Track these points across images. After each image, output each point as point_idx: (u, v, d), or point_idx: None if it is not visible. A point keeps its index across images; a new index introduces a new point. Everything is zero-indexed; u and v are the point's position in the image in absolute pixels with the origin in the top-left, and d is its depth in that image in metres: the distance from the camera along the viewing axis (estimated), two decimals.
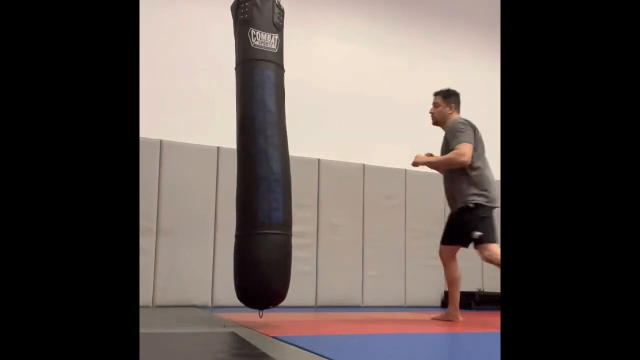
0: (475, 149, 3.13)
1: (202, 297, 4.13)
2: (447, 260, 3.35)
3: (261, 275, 2.46)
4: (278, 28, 2.68)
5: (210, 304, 4.13)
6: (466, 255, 5.30)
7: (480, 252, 3.10)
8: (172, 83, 4.52)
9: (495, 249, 3.03)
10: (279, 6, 2.71)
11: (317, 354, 1.68)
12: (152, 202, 4.05)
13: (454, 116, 3.27)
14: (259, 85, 2.57)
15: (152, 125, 4.11)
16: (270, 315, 3.29)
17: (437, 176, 5.29)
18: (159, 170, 4.14)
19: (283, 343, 1.99)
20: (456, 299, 3.30)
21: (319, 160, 4.68)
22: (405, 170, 5.16)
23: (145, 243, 3.97)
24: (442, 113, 3.27)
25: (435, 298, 5.10)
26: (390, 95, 5.47)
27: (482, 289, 5.01)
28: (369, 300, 4.77)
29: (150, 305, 3.95)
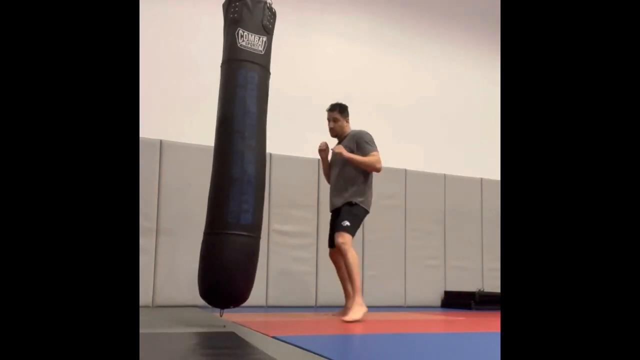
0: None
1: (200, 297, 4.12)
2: (338, 263, 3.51)
3: (223, 275, 2.44)
4: (267, 31, 2.66)
5: None
6: (466, 255, 5.33)
7: (337, 238, 3.31)
8: (172, 83, 4.52)
9: (350, 240, 3.30)
10: (270, 9, 2.69)
11: (317, 354, 1.68)
12: (152, 202, 4.05)
13: (349, 127, 3.60)
14: (241, 85, 2.56)
15: (152, 125, 4.11)
16: (271, 315, 3.29)
17: (437, 176, 5.32)
18: (159, 170, 4.14)
19: (283, 343, 1.99)
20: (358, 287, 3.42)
21: (319, 160, 4.68)
22: (405, 170, 5.16)
23: (145, 243, 3.97)
24: (342, 126, 3.56)
25: (435, 298, 5.11)
26: (391, 95, 5.47)
27: (482, 289, 5.01)
28: (369, 300, 4.74)
29: (150, 305, 3.95)
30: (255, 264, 2.58)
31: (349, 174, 3.42)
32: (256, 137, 2.57)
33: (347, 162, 3.39)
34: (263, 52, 2.63)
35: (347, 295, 3.49)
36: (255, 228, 2.53)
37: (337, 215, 3.44)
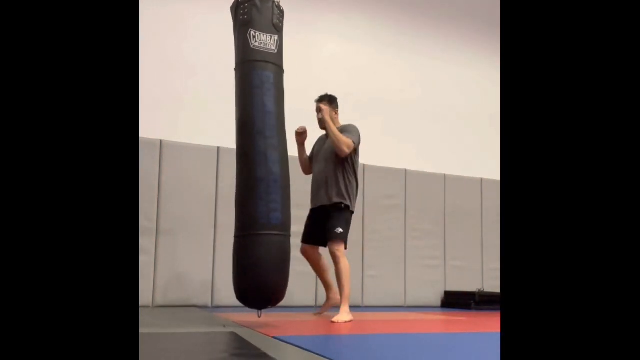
0: (355, 153, 3.43)
1: (202, 297, 4.13)
2: (315, 257, 3.48)
3: (260, 275, 2.46)
4: (277, 29, 2.67)
5: (210, 304, 4.13)
6: (466, 255, 5.33)
7: (330, 245, 3.27)
8: (172, 83, 4.52)
9: (343, 248, 3.29)
10: (278, 7, 2.70)
11: (317, 354, 1.68)
12: (152, 202, 4.05)
13: (339, 120, 3.50)
14: (258, 86, 2.57)
15: (152, 125, 4.11)
16: (270, 315, 3.29)
17: (437, 176, 5.32)
18: (159, 170, 4.14)
19: (283, 343, 1.99)
20: (331, 283, 3.42)
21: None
22: (405, 170, 5.16)
23: (145, 243, 3.97)
24: (330, 117, 3.43)
25: (435, 298, 5.11)
26: (390, 95, 5.47)
27: (482, 289, 5.01)
28: (369, 300, 4.76)
29: (150, 305, 3.95)
30: (289, 261, 2.60)
31: (335, 170, 3.34)
32: (277, 137, 2.58)
33: (333, 157, 3.32)
34: (276, 51, 2.65)
35: (327, 287, 3.48)
36: (285, 227, 2.56)
37: (321, 213, 3.36)
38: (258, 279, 2.47)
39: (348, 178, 3.36)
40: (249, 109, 2.56)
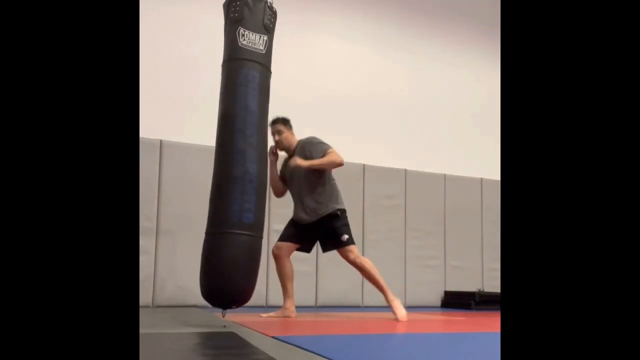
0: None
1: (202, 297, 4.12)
2: (285, 257, 3.41)
3: (226, 274, 2.43)
4: (268, 30, 2.66)
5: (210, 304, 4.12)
6: (466, 255, 5.33)
7: (346, 255, 3.31)
8: (172, 83, 4.52)
9: (357, 249, 3.34)
10: (271, 8, 2.69)
11: (317, 354, 1.68)
12: (152, 202, 4.05)
13: (295, 138, 3.50)
14: (242, 84, 2.56)
15: (152, 125, 4.11)
16: (270, 316, 3.29)
17: (437, 176, 5.32)
18: (159, 170, 4.14)
19: (283, 343, 1.99)
20: (292, 293, 3.42)
21: None
22: (405, 170, 5.16)
23: (145, 243, 3.97)
24: (288, 139, 3.45)
25: (435, 298, 5.11)
26: (391, 95, 5.47)
27: (482, 289, 5.01)
28: (369, 300, 4.76)
29: (150, 305, 3.95)
30: (258, 263, 2.57)
31: (312, 183, 3.34)
32: (257, 136, 2.56)
33: (308, 172, 3.30)
34: (264, 51, 2.64)
35: (286, 294, 3.38)
36: (257, 227, 2.52)
37: (310, 226, 3.34)
38: (224, 278, 2.43)
39: (327, 184, 3.37)
40: (231, 106, 2.54)
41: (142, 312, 3.29)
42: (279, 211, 4.38)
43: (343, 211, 3.37)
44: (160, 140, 4.18)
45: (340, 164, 3.32)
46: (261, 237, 2.57)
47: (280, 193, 3.56)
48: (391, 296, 3.31)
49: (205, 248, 2.52)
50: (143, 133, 3.76)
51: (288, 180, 3.49)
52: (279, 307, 3.46)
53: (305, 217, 3.37)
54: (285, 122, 3.46)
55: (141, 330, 1.95)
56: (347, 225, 3.35)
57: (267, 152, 2.67)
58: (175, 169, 4.18)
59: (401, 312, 3.24)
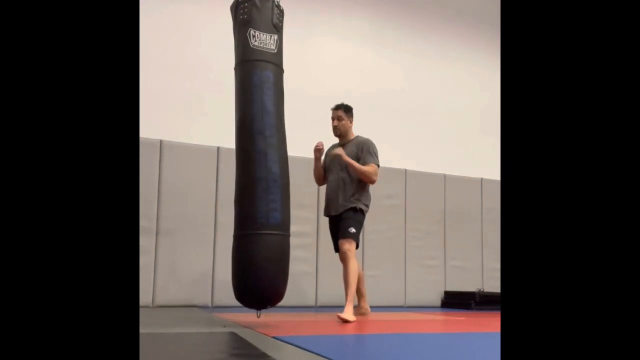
0: None
1: (202, 297, 4.13)
2: (352, 257, 3.41)
3: (259, 275, 2.45)
4: (277, 29, 2.67)
5: (210, 304, 4.13)
6: (466, 255, 5.33)
7: (342, 244, 3.34)
8: (171, 83, 4.52)
9: (354, 248, 3.36)
10: (278, 7, 2.70)
11: (317, 354, 1.68)
12: (152, 202, 4.05)
13: (352, 130, 3.59)
14: (257, 86, 2.57)
15: (152, 125, 4.11)
16: (270, 315, 3.28)
17: (437, 176, 5.31)
18: (159, 170, 4.14)
19: (283, 343, 1.99)
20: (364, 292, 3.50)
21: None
22: (405, 170, 5.16)
23: (145, 243, 3.96)
24: (346, 126, 3.54)
25: (435, 298, 5.10)
26: (391, 95, 5.47)
27: (482, 289, 5.01)
28: (369, 300, 4.75)
29: (150, 305, 3.95)
30: (288, 261, 2.60)
31: (350, 178, 3.42)
32: (277, 136, 2.59)
33: (346, 166, 3.39)
34: (276, 51, 2.65)
35: (359, 295, 3.53)
36: (284, 226, 2.56)
37: (338, 220, 3.43)
38: (257, 279, 2.46)
39: (363, 183, 3.44)
40: (249, 109, 2.56)
41: (142, 312, 3.29)
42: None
43: (363, 214, 3.42)
44: (160, 140, 4.19)
45: (371, 182, 3.43)
46: (289, 236, 2.60)
47: (321, 182, 3.68)
48: (350, 304, 3.19)
49: (236, 250, 2.54)
50: (143, 133, 3.76)
51: (327, 168, 3.57)
52: (279, 307, 3.45)
53: (335, 207, 3.44)
54: (347, 109, 3.55)
55: (141, 330, 1.95)
56: (359, 223, 3.39)
57: (286, 152, 2.70)
58: (175, 169, 4.18)
59: (345, 316, 3.06)
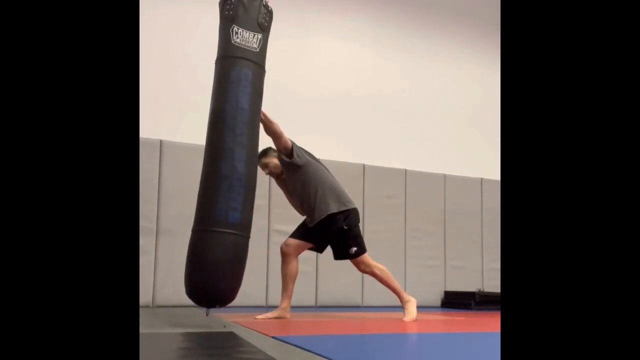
0: (308, 165, 3.24)
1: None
2: (293, 255, 3.28)
3: (209, 273, 2.39)
4: (263, 28, 2.64)
5: None
6: (466, 255, 5.33)
7: (357, 265, 3.29)
8: (172, 83, 4.52)
9: (369, 258, 3.30)
10: (266, 7, 2.68)
11: (317, 354, 1.68)
12: (152, 202, 4.05)
13: (277, 159, 3.32)
14: (234, 82, 2.54)
15: (152, 125, 4.11)
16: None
17: (437, 176, 5.32)
18: (159, 170, 4.14)
19: (283, 343, 1.99)
20: (292, 294, 3.28)
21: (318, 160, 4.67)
22: (405, 170, 5.16)
23: (145, 243, 3.96)
24: (276, 165, 3.31)
25: (435, 298, 5.10)
26: (391, 95, 5.47)
27: (482, 289, 5.01)
28: (369, 300, 4.76)
29: (150, 305, 3.95)
30: (244, 263, 2.52)
31: (298, 183, 3.22)
32: (248, 135, 2.53)
33: (289, 174, 3.22)
34: (258, 50, 2.62)
35: (286, 294, 3.25)
36: (243, 227, 2.49)
37: (319, 228, 3.21)
38: (207, 276, 2.40)
39: (311, 184, 3.21)
40: (222, 104, 2.53)
41: (142, 312, 3.29)
42: (279, 211, 4.38)
43: (351, 217, 3.22)
44: (160, 140, 4.18)
45: (280, 135, 3.07)
46: (248, 237, 2.53)
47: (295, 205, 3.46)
48: (406, 297, 3.31)
49: (190, 245, 2.48)
50: (143, 133, 3.76)
51: (288, 194, 3.42)
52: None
53: (307, 221, 3.31)
54: (262, 155, 3.26)
55: (141, 330, 1.95)
56: (355, 237, 3.22)
57: (257, 152, 2.61)
58: (175, 169, 4.18)
59: (409, 314, 3.20)
